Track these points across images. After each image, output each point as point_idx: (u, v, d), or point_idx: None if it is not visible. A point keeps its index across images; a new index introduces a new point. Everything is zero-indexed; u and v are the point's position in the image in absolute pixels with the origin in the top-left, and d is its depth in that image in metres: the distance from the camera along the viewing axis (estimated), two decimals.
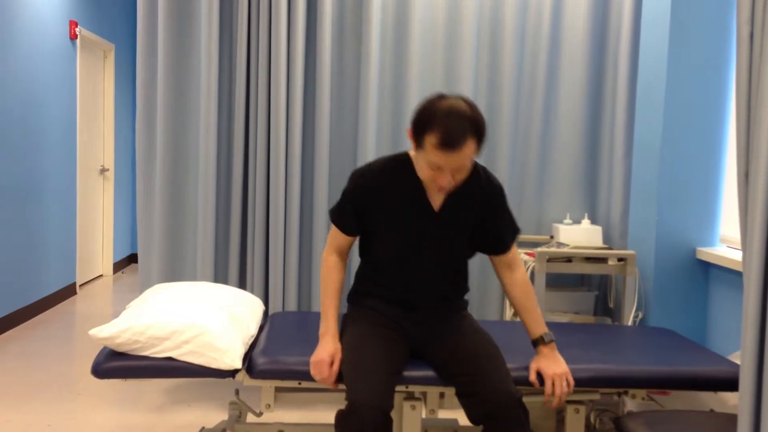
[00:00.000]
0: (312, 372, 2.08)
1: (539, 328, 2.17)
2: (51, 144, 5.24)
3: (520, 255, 2.36)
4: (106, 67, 6.56)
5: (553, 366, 2.11)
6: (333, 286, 2.20)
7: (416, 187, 2.12)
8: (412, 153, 2.14)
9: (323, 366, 2.06)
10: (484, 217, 2.18)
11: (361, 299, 2.27)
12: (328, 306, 2.17)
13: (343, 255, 2.25)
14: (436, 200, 2.14)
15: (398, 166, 2.13)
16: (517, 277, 2.23)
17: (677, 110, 3.06)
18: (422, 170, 2.00)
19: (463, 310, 2.30)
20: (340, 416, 1.89)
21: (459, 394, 2.06)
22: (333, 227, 2.24)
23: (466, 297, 2.41)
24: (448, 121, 1.88)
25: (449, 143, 1.88)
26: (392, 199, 2.12)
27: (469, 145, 1.90)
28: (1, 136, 4.44)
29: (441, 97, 1.95)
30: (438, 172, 1.95)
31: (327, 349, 2.08)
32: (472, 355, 2.08)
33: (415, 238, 2.15)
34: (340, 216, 2.20)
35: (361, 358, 2.02)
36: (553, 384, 2.09)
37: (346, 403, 1.91)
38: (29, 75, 4.84)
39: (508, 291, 2.25)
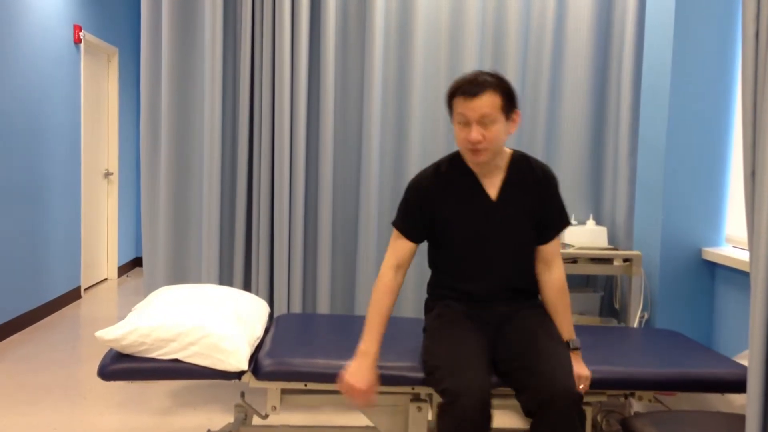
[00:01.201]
0: (341, 389, 2.04)
1: (567, 334, 2.18)
2: (55, 148, 5.25)
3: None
4: (110, 71, 6.57)
5: (577, 368, 2.10)
6: (385, 305, 2.13)
7: (471, 180, 2.18)
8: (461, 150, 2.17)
9: (356, 393, 2.02)
10: (538, 204, 2.19)
11: (437, 302, 2.27)
12: (375, 323, 2.10)
13: (403, 268, 2.19)
14: (492, 190, 2.18)
15: (450, 164, 2.20)
16: (554, 277, 2.22)
17: (682, 110, 3.06)
18: (456, 141, 2.10)
19: (535, 299, 2.28)
20: (442, 409, 1.87)
21: (516, 389, 2.02)
22: (394, 237, 2.20)
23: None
24: (469, 75, 2.06)
25: (468, 90, 2.01)
26: (450, 195, 2.17)
27: (490, 95, 2.02)
28: (5, 140, 4.45)
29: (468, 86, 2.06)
30: (466, 128, 2.04)
31: (365, 378, 2.03)
32: (534, 349, 2.03)
33: (479, 229, 2.17)
34: (404, 221, 2.19)
35: (456, 350, 2.00)
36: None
37: (442, 396, 1.89)
38: (33, 79, 4.86)
39: (542, 289, 2.24)
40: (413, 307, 3.54)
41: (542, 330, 2.12)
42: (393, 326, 2.59)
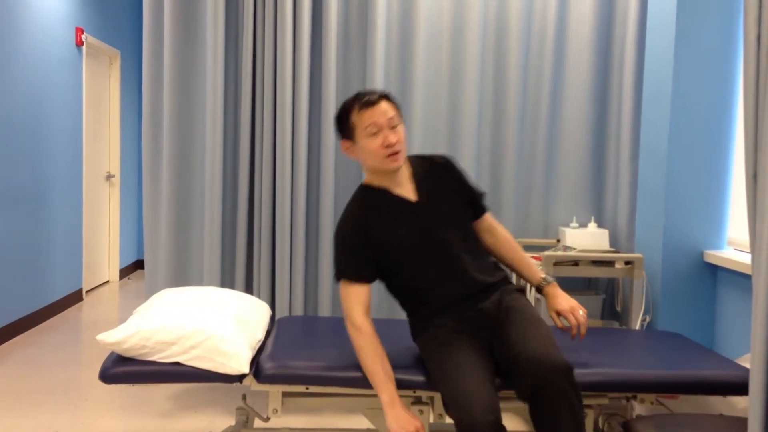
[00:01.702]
0: None
1: (536, 277, 2.30)
2: (57, 150, 5.25)
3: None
4: (111, 74, 6.58)
5: (564, 302, 2.22)
6: (379, 350, 2.09)
7: (388, 197, 2.21)
8: (365, 181, 2.26)
9: None
10: (455, 185, 2.29)
11: (424, 326, 2.23)
12: (382, 371, 2.06)
13: (369, 312, 2.17)
14: (410, 195, 2.22)
15: (364, 195, 2.23)
16: (500, 235, 2.37)
17: (683, 113, 3.06)
18: (370, 155, 2.13)
19: (507, 283, 2.29)
20: None
21: (506, 377, 2.05)
22: (347, 288, 2.15)
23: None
24: (357, 95, 2.16)
25: (368, 101, 2.11)
26: (379, 219, 2.18)
27: (385, 102, 2.13)
28: (7, 143, 4.46)
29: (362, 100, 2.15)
30: (380, 134, 2.10)
31: (409, 420, 2.00)
32: (516, 335, 2.06)
33: (419, 233, 2.18)
34: (351, 267, 2.16)
35: (461, 375, 1.97)
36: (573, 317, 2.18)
37: (456, 423, 1.88)
38: (35, 82, 4.86)
39: (496, 252, 2.35)
40: None
41: (521, 315, 2.14)
42: (391, 329, 2.58)
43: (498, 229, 2.38)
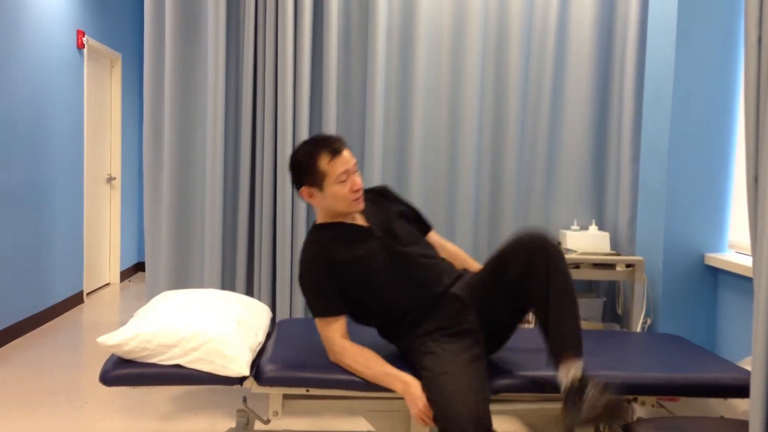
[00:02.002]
0: (426, 418, 2.02)
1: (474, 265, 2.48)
2: (58, 152, 5.26)
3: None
4: (113, 76, 6.59)
5: None
6: (370, 353, 2.15)
7: (342, 229, 2.29)
8: (318, 221, 2.34)
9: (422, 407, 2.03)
10: (396, 207, 2.43)
11: (408, 344, 2.25)
12: (384, 366, 2.12)
13: (347, 336, 2.22)
14: (363, 223, 2.32)
15: (321, 234, 2.28)
16: (449, 249, 2.54)
17: (684, 115, 3.06)
18: (340, 200, 2.22)
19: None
20: None
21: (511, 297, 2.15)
22: (326, 324, 2.20)
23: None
24: (319, 141, 2.23)
25: (336, 149, 2.20)
26: (341, 251, 2.24)
27: (346, 150, 2.23)
28: (8, 145, 4.46)
29: (294, 152, 2.27)
30: (348, 180, 2.21)
31: (415, 384, 2.06)
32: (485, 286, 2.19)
33: (383, 252, 2.26)
34: (325, 303, 2.21)
35: (447, 384, 2.00)
36: None
37: None
38: (36, 84, 4.87)
39: (451, 259, 2.47)
40: None
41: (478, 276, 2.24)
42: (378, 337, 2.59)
43: (447, 244, 2.56)
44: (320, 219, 2.34)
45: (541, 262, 2.04)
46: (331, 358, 2.20)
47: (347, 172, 2.20)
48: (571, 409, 1.94)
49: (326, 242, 2.25)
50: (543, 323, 2.07)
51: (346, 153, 2.22)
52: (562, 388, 1.99)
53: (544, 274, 2.03)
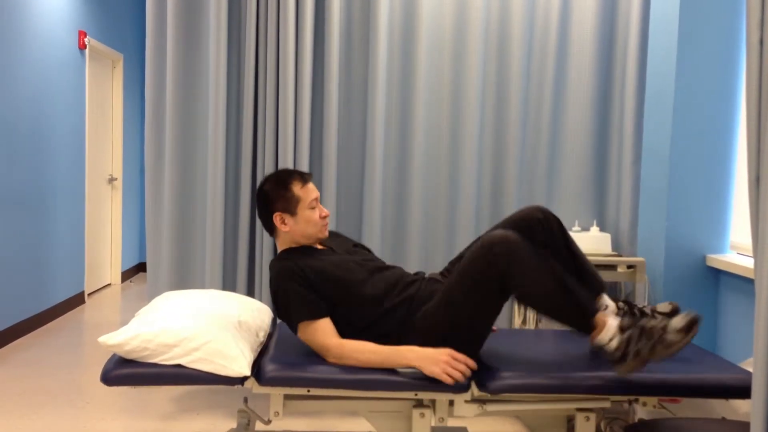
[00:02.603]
0: (452, 369, 2.07)
1: None
2: (60, 153, 5.26)
3: None
4: (114, 77, 6.60)
5: None
6: (370, 344, 2.19)
7: (310, 248, 2.41)
8: (284, 249, 2.42)
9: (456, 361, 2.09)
10: (351, 242, 2.61)
11: (401, 327, 2.31)
12: (385, 346, 2.17)
13: (338, 336, 2.25)
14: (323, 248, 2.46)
15: (288, 254, 2.35)
16: None
17: (686, 116, 3.06)
18: (311, 225, 2.37)
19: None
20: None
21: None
22: (310, 327, 2.21)
23: None
24: (288, 170, 2.41)
25: (306, 178, 2.40)
26: (311, 260, 2.31)
27: (311, 181, 2.43)
28: (10, 145, 4.47)
29: (262, 183, 2.42)
30: (317, 207, 2.38)
31: (444, 353, 2.10)
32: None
33: (356, 262, 2.38)
34: (310, 305, 2.22)
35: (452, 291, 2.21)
36: None
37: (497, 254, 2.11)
38: (38, 84, 4.87)
39: None
40: None
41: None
42: None
43: None
44: (283, 248, 2.43)
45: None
46: (332, 359, 2.19)
47: (317, 200, 2.38)
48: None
49: (297, 259, 2.29)
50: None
51: (312, 184, 2.41)
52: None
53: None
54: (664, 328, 1.98)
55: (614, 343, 2.06)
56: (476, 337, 2.23)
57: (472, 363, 2.09)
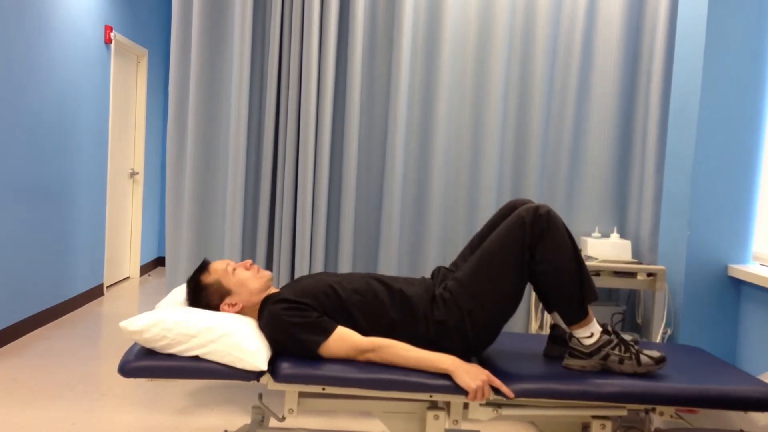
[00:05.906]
0: (479, 392, 2.07)
1: None
2: (83, 147, 5.31)
3: None
4: (138, 72, 6.65)
5: None
6: (404, 343, 2.18)
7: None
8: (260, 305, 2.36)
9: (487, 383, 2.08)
10: None
11: (418, 324, 2.30)
12: (423, 352, 2.15)
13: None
14: None
15: (273, 299, 2.28)
16: None
17: (711, 124, 3.03)
18: (248, 281, 2.34)
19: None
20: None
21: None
22: (333, 340, 2.17)
23: None
24: (189, 281, 2.40)
25: (203, 266, 2.39)
26: (289, 288, 2.31)
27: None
28: (34, 138, 4.52)
29: (189, 288, 2.40)
30: (236, 267, 2.37)
31: (484, 373, 2.09)
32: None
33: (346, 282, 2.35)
34: (319, 324, 2.19)
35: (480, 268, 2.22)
36: None
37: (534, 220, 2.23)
38: (63, 78, 4.92)
39: None
40: None
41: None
42: None
43: None
44: (255, 314, 2.35)
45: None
46: (370, 356, 2.17)
47: (228, 263, 2.35)
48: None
49: (271, 303, 2.25)
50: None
51: (212, 264, 2.39)
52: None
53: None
54: (641, 351, 2.16)
55: (593, 339, 2.16)
56: (499, 316, 2.23)
57: (507, 391, 2.06)
